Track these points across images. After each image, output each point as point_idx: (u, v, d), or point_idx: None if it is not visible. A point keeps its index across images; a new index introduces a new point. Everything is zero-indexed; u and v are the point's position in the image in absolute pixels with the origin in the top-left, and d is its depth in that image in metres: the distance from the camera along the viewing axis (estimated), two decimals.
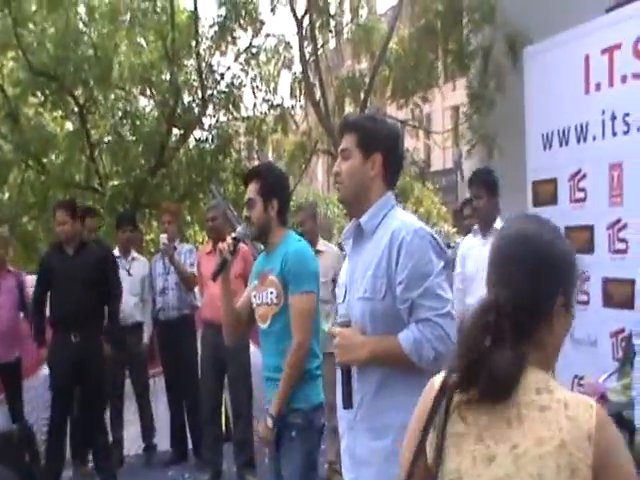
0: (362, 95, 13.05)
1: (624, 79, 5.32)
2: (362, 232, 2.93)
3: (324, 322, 4.90)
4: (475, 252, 5.53)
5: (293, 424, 3.69)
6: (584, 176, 5.66)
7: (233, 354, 6.30)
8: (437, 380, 1.78)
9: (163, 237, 7.14)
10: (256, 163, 12.43)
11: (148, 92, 13.82)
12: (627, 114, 5.27)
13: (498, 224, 5.58)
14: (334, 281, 5.67)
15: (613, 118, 5.38)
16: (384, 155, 2.94)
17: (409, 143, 14.27)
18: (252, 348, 6.43)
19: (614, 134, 5.37)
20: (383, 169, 2.95)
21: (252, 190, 3.86)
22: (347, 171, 2.93)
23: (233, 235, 3.83)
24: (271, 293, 3.79)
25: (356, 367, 2.83)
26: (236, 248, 3.79)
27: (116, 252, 7.29)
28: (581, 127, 5.66)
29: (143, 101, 14.20)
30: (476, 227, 5.74)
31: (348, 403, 2.81)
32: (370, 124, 2.96)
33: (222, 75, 13.29)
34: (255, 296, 3.88)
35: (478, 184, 5.64)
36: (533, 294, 1.67)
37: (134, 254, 7.48)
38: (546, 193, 6.03)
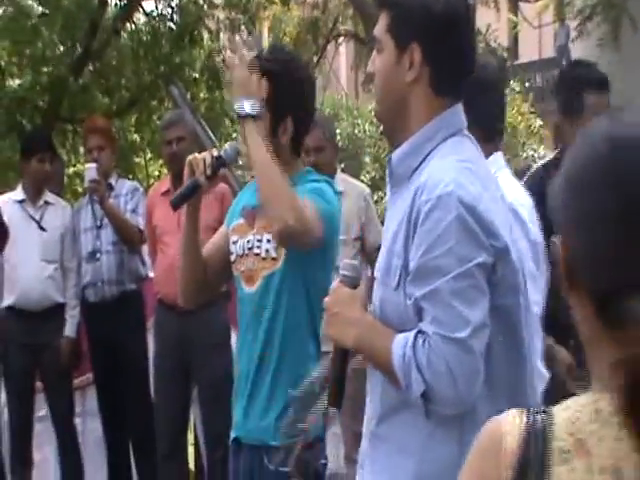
0: None
1: None
2: (393, 174, 2.41)
3: None
4: None
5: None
6: None
7: (206, 350, 5.65)
8: (507, 422, 1.23)
9: (91, 169, 6.24)
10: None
11: None
12: None
13: None
14: (358, 240, 5.38)
15: None
16: (428, 45, 2.25)
17: (482, 19, 12.21)
18: (233, 338, 5.72)
19: None
20: (429, 69, 2.24)
21: None
22: (378, 72, 2.36)
23: (216, 153, 3.23)
24: (268, 241, 3.10)
25: (371, 419, 2.40)
26: (216, 172, 3.18)
27: (19, 193, 6.47)
28: None
29: None
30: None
31: (334, 400, 2.44)
32: None
33: None
34: (236, 242, 3.14)
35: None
36: None
37: (49, 196, 6.51)
38: None
